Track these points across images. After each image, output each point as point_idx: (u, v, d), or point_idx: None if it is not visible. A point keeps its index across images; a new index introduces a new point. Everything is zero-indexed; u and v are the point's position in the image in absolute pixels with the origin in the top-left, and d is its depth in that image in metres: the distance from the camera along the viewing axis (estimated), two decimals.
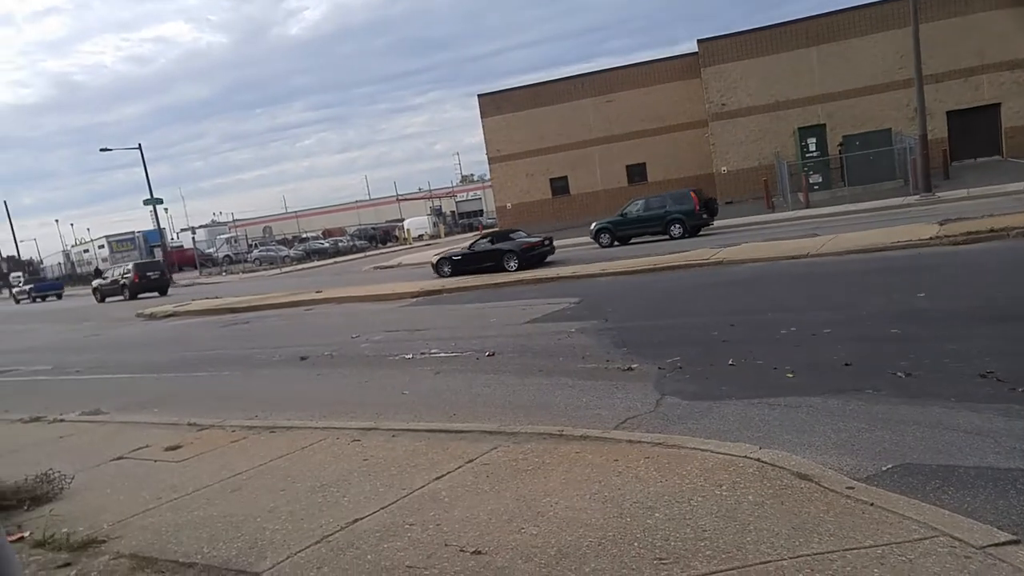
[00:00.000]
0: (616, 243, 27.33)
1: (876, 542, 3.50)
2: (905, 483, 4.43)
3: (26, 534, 5.11)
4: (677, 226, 26.04)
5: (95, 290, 40.41)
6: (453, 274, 23.32)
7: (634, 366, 8.37)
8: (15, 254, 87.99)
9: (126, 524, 5.10)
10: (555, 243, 24.64)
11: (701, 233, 26.45)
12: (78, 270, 78.19)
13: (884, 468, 4.71)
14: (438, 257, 24.97)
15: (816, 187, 32.95)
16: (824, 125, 37.40)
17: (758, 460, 4.69)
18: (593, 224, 29.13)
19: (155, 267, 39.80)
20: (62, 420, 9.10)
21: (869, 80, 38.11)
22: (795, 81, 39.38)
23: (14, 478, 6.09)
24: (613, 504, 4.28)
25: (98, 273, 46.94)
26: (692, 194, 26.66)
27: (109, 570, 4.37)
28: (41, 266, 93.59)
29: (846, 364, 7.27)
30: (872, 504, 3.91)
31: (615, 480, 4.66)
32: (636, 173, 46.32)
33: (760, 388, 6.90)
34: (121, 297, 37.53)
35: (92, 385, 12.55)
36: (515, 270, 21.99)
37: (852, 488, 4.18)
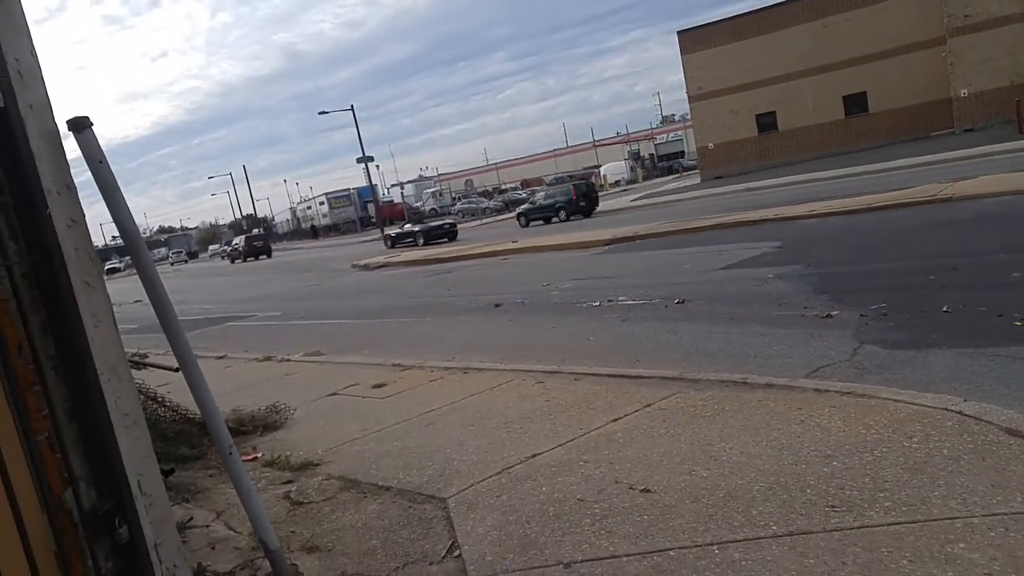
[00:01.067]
0: (529, 224, 36.21)
1: None
2: None
3: (259, 455, 5.91)
4: (562, 212, 35.25)
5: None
6: None
7: (834, 313, 7.94)
8: (253, 212, 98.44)
9: (336, 451, 5.73)
10: (757, 184, 23.61)
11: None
12: (302, 225, 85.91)
13: None
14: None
15: None
16: None
17: (959, 412, 4.34)
18: (516, 209, 40.96)
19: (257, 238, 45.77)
20: (288, 360, 10.27)
21: None
22: None
23: (250, 408, 7.02)
24: (789, 451, 4.18)
25: (315, 232, 52.88)
26: (572, 188, 36.82)
27: (322, 488, 4.96)
28: (273, 223, 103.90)
29: None
30: None
31: (795, 428, 4.53)
32: (855, 104, 42.37)
33: (978, 337, 6.30)
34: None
35: (313, 329, 13.96)
36: None
37: None
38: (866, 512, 3.37)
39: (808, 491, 3.65)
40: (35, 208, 2.43)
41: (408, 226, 40.69)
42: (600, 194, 43.70)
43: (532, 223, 36.29)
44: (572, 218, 34.63)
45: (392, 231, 41.60)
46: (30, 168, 2.42)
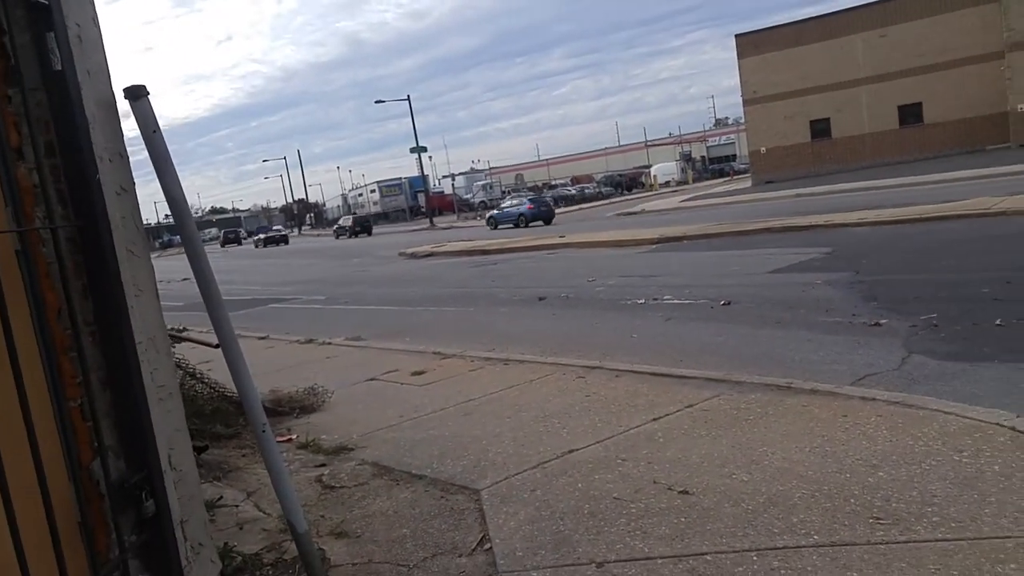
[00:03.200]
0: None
1: None
2: None
3: (293, 437, 5.93)
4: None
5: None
6: None
7: (882, 321, 7.70)
8: (305, 197, 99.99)
9: (371, 436, 5.72)
10: (808, 190, 23.18)
11: None
12: (353, 212, 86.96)
13: None
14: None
15: None
16: None
17: (1012, 428, 4.14)
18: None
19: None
20: (329, 343, 10.33)
21: None
22: None
23: (288, 389, 7.06)
24: (833, 459, 4.03)
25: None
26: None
27: (355, 474, 4.95)
28: (324, 208, 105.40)
29: None
30: None
31: (839, 436, 4.37)
32: (910, 114, 41.47)
33: None
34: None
35: (356, 314, 14.05)
36: None
37: None
38: (912, 526, 3.22)
39: (852, 501, 3.51)
40: (85, 174, 2.43)
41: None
42: (647, 193, 44.37)
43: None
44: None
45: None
46: (83, 133, 2.43)
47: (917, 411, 4.63)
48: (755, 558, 3.14)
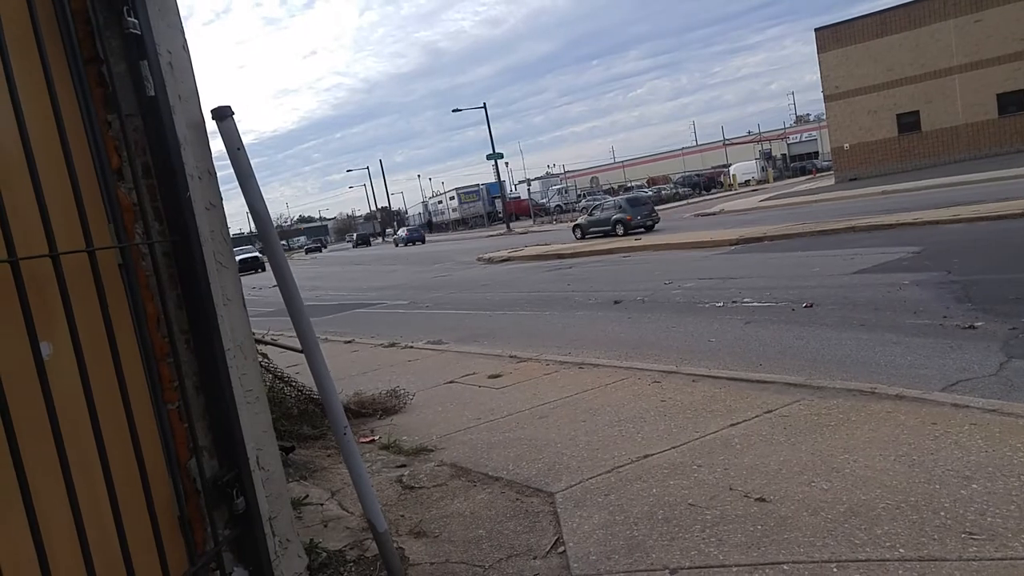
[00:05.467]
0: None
1: None
2: None
3: (376, 438, 6.10)
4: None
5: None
6: None
7: (977, 324, 7.36)
8: (387, 205, 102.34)
9: (450, 438, 5.83)
10: (895, 186, 22.24)
11: None
12: (433, 219, 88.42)
13: None
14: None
15: None
16: None
17: None
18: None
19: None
20: (411, 347, 10.56)
21: None
22: None
23: (371, 392, 7.26)
24: (921, 469, 3.89)
25: (429, 226, 58.26)
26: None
27: (433, 475, 5.06)
28: (406, 215, 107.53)
29: None
30: None
31: (928, 444, 4.22)
32: (1011, 103, 39.10)
33: None
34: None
35: (436, 318, 14.29)
36: None
37: None
38: (1009, 543, 3.08)
39: (942, 514, 3.38)
40: (177, 191, 2.58)
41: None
42: (726, 193, 41.13)
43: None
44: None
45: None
46: (175, 154, 2.58)
47: (1016, 420, 4.41)
48: (835, 570, 3.06)
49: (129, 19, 2.42)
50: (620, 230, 30.05)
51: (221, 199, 3.07)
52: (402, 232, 71.01)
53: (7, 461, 1.73)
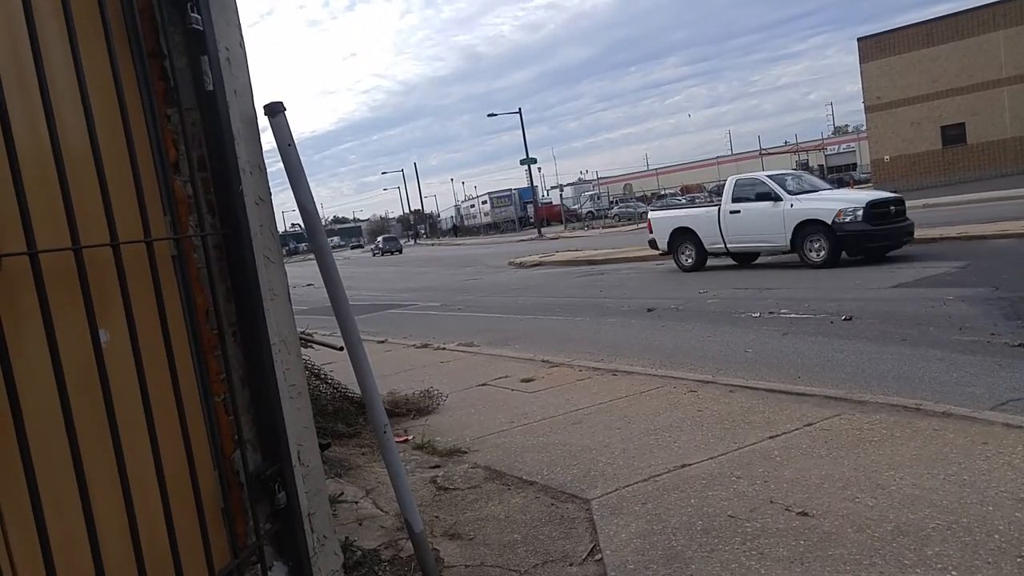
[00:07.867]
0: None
1: None
2: None
3: (410, 438, 6.10)
4: None
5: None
6: None
7: None
8: (420, 208, 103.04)
9: (483, 440, 5.82)
10: (938, 200, 21.70)
11: None
12: (465, 222, 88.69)
13: None
14: None
15: None
16: None
17: None
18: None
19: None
20: (444, 348, 10.57)
21: None
22: None
23: (405, 392, 7.28)
24: (972, 489, 3.79)
25: (455, 231, 56.79)
26: None
27: (468, 476, 5.04)
28: (438, 219, 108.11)
29: None
30: None
31: (979, 464, 4.10)
32: None
33: None
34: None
35: (468, 321, 14.30)
36: None
37: None
38: None
39: (996, 536, 3.28)
40: (230, 185, 2.60)
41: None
42: None
43: None
44: None
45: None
46: (230, 148, 2.60)
47: None
48: None
49: (192, 15, 2.44)
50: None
51: (270, 194, 3.09)
52: (379, 241, 71.95)
53: (65, 451, 1.75)
